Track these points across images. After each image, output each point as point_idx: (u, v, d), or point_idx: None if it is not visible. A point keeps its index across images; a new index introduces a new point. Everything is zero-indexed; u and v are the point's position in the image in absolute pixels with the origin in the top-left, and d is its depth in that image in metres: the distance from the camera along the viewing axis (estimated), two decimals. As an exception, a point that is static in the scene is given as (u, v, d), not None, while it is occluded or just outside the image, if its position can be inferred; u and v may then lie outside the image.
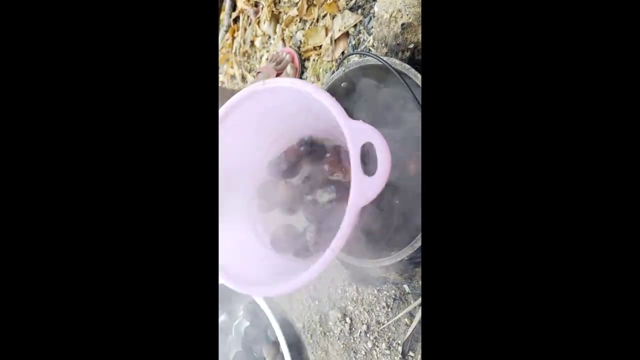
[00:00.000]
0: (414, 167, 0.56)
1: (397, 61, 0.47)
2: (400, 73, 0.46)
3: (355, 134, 0.35)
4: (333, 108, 0.36)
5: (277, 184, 0.57)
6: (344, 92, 0.59)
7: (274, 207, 0.57)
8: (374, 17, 0.78)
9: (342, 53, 0.84)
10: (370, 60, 0.50)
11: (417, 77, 0.45)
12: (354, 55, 0.77)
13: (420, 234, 0.41)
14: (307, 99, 0.38)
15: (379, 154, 0.34)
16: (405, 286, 0.70)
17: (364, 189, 0.34)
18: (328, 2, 0.84)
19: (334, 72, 0.57)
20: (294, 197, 0.55)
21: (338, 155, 0.51)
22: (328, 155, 0.53)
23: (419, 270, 0.54)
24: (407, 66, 0.46)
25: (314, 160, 0.54)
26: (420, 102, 0.44)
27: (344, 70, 0.54)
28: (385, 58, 0.47)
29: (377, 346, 0.73)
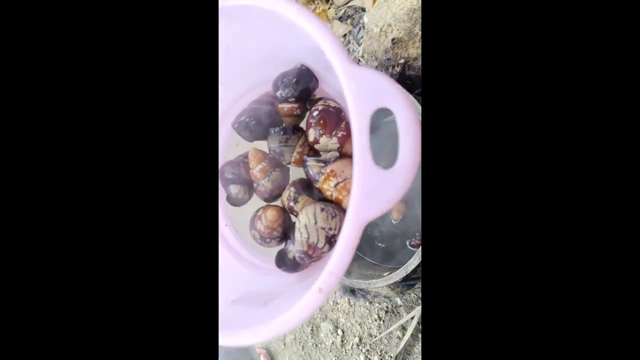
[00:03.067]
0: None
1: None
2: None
3: (363, 91, 0.22)
4: (327, 42, 0.22)
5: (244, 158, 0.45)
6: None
7: (240, 192, 0.44)
8: (364, 27, 0.78)
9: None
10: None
11: (407, 96, 0.45)
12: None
13: (414, 256, 0.41)
14: (288, 28, 0.25)
15: (401, 130, 0.21)
16: (397, 299, 0.70)
17: (373, 188, 0.22)
18: (317, 11, 0.83)
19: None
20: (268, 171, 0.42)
21: (334, 116, 0.37)
22: (320, 108, 0.38)
23: (411, 288, 0.55)
24: (398, 85, 0.46)
25: (301, 113, 0.41)
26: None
27: (335, 87, 0.54)
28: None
29: (369, 359, 0.73)
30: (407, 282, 0.45)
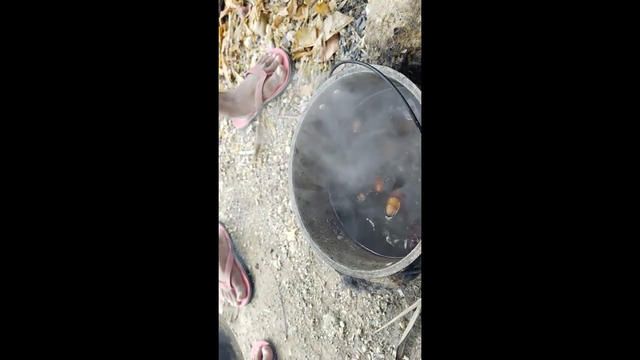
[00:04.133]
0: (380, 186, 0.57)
1: (391, 70, 0.47)
2: (393, 82, 0.45)
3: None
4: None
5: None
6: (337, 99, 0.58)
7: None
8: (365, 19, 0.77)
9: (334, 55, 0.83)
10: (364, 68, 0.49)
11: (411, 87, 0.45)
12: (348, 63, 0.76)
13: (416, 247, 0.41)
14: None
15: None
16: (399, 291, 0.70)
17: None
18: (318, 2, 0.82)
19: (326, 78, 0.56)
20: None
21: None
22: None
23: (414, 278, 0.54)
24: (402, 75, 0.45)
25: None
26: (413, 112, 0.43)
27: (337, 78, 0.54)
28: (379, 67, 0.46)
29: (372, 350, 0.73)
30: (410, 272, 0.45)
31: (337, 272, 0.68)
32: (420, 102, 0.44)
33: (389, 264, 0.45)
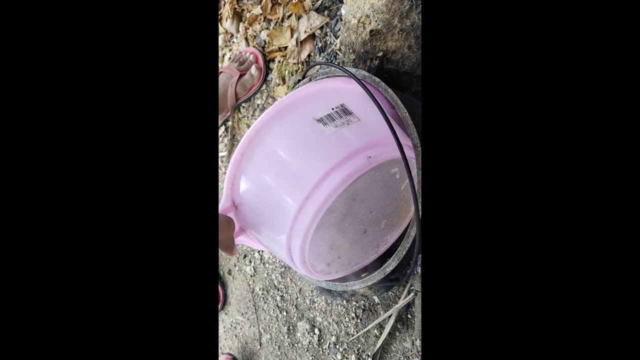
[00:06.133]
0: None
1: (366, 73, 0.45)
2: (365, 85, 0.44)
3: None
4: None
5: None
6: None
7: None
8: (341, 19, 0.76)
9: (309, 55, 0.81)
10: (338, 71, 0.47)
11: (387, 92, 0.43)
12: (322, 64, 0.75)
13: (392, 257, 0.40)
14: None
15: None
16: (375, 297, 0.68)
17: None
18: (293, 1, 0.80)
19: (299, 80, 0.54)
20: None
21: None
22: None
23: (390, 289, 0.53)
24: (377, 79, 0.44)
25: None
26: (388, 117, 0.42)
27: (310, 79, 0.52)
28: (353, 70, 0.45)
29: (347, 358, 0.72)
30: (385, 283, 0.44)
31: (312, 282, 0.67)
32: (401, 106, 0.42)
33: (364, 274, 0.43)
